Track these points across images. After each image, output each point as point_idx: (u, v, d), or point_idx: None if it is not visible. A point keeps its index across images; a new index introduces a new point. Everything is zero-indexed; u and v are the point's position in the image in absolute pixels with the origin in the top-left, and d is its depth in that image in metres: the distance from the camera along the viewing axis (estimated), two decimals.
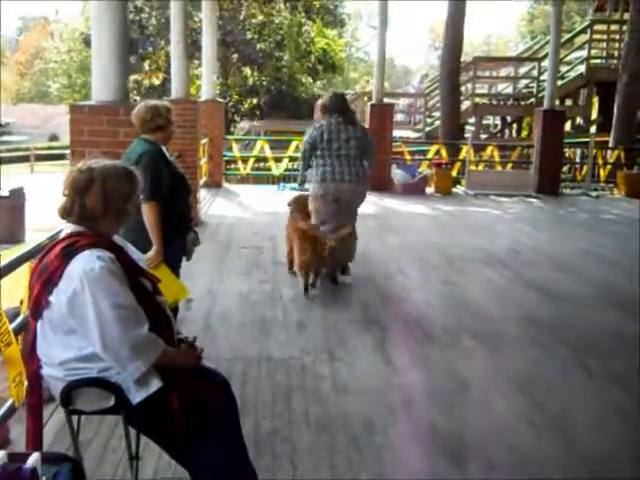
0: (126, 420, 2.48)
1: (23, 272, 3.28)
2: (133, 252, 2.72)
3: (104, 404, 2.43)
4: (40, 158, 28.08)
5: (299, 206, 6.41)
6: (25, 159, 27.54)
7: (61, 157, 23.58)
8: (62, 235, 2.48)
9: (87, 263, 2.32)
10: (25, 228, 12.10)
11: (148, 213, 4.01)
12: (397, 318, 5.51)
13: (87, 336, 2.34)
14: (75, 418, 2.55)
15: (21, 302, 3.39)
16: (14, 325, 3.18)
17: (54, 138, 37.25)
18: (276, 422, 3.58)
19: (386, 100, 13.68)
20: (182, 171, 4.42)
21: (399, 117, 21.08)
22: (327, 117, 6.15)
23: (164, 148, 4.25)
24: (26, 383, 2.98)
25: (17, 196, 12.56)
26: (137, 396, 2.39)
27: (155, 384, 2.39)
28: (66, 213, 2.46)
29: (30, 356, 2.53)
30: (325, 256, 5.77)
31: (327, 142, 6.03)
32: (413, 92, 23.25)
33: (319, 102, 6.62)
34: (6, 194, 12.35)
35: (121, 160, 3.59)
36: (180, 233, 4.27)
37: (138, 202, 2.79)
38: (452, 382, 4.22)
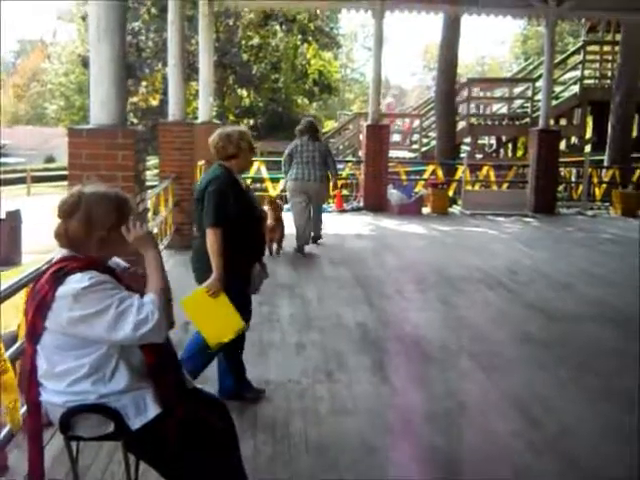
0: (125, 446, 2.46)
1: (21, 296, 3.27)
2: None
3: (103, 430, 2.41)
4: (37, 180, 28.05)
5: (272, 203, 8.66)
6: (22, 181, 27.55)
7: (58, 179, 23.58)
8: (54, 259, 2.47)
9: (78, 283, 2.32)
10: (22, 251, 12.09)
11: (210, 239, 3.86)
12: (395, 339, 5.50)
13: (93, 341, 2.33)
14: (74, 444, 2.53)
15: (19, 326, 3.37)
16: (11, 351, 3.17)
17: (51, 160, 37.28)
18: (276, 446, 3.56)
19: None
20: (256, 201, 4.31)
21: (395, 137, 21.11)
22: (301, 137, 8.58)
23: (238, 176, 4.16)
24: (23, 409, 2.97)
25: (13, 218, 12.58)
26: (136, 422, 2.37)
27: (153, 410, 2.38)
28: (57, 237, 2.46)
29: (29, 382, 2.50)
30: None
31: (300, 153, 8.48)
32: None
33: (297, 127, 8.80)
34: (2, 216, 12.37)
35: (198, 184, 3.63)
36: (247, 264, 4.12)
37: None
38: (451, 402, 4.20)
